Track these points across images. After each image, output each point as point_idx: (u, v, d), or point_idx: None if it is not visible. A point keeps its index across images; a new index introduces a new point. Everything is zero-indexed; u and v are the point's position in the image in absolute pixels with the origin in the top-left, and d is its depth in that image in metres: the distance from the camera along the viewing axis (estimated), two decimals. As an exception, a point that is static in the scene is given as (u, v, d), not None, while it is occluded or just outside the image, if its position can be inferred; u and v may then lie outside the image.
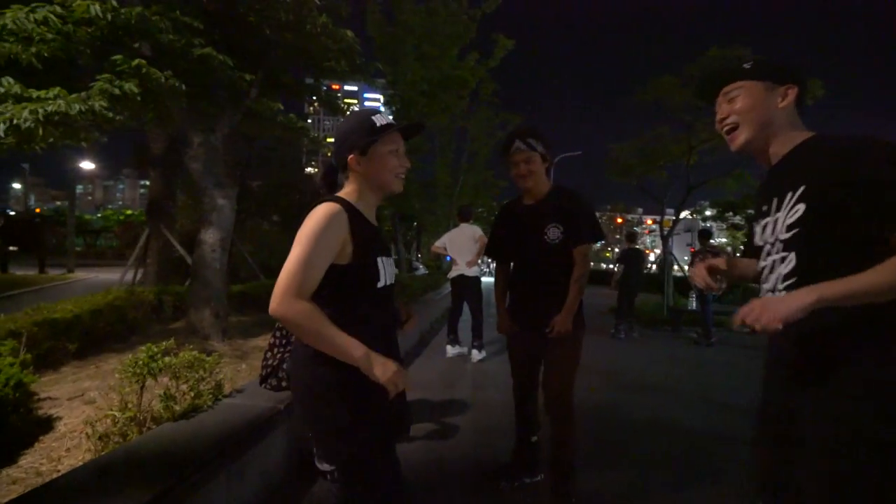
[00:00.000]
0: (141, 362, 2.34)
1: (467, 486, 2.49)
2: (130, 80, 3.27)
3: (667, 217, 13.22)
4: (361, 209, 1.31)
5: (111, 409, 2.44)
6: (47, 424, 2.82)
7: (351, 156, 1.30)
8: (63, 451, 2.59)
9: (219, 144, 4.23)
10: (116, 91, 3.12)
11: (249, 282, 7.62)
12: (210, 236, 4.11)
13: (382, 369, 1.16)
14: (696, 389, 4.56)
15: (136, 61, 3.15)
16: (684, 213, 14.68)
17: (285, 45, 4.59)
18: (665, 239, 10.98)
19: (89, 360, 3.90)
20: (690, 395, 4.33)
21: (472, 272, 5.14)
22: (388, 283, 1.32)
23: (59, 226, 22.10)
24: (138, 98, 3.32)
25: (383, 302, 1.33)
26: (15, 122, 2.59)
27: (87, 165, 19.33)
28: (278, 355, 2.92)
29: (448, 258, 5.47)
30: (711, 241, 7.70)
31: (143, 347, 2.44)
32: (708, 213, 18.43)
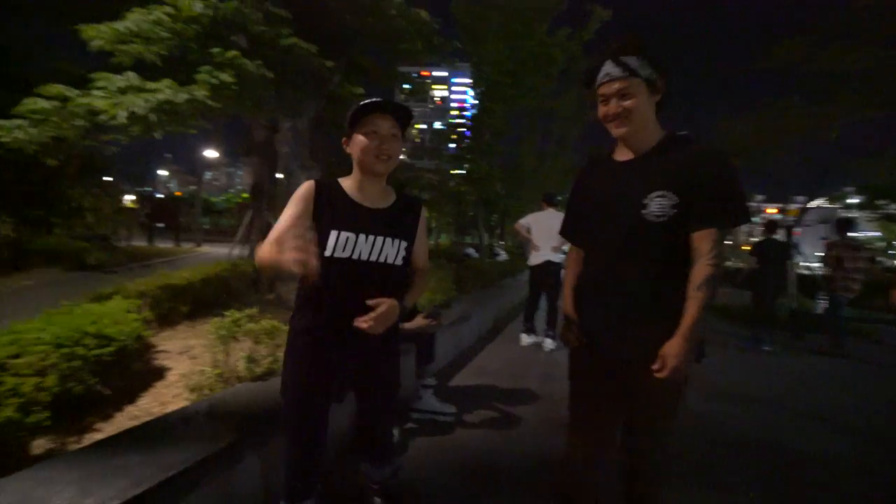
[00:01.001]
0: (225, 326, 2.60)
1: (522, 484, 2.36)
2: (227, 70, 3.58)
3: (795, 206, 11.40)
4: (350, 187, 1.47)
5: (204, 366, 2.77)
6: (160, 373, 3.30)
7: (343, 139, 1.49)
8: (171, 396, 3.01)
9: (304, 129, 4.50)
10: (215, 81, 3.44)
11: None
12: (295, 215, 4.43)
13: (278, 244, 1.21)
14: (810, 406, 3.89)
15: (231, 53, 3.43)
16: (817, 202, 12.50)
17: (365, 29, 4.70)
18: (788, 230, 9.48)
19: (198, 321, 4.47)
20: (802, 412, 3.71)
21: (558, 257, 4.88)
22: (340, 255, 1.37)
23: (192, 206, 25.80)
24: (234, 87, 3.62)
25: (336, 274, 1.37)
26: (132, 110, 2.97)
27: (210, 154, 22.10)
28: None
29: (527, 244, 5.20)
30: (853, 233, 6.24)
31: (228, 313, 2.70)
32: (852, 200, 15.49)
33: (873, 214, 13.81)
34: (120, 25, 3.29)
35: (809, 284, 9.88)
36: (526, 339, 5.26)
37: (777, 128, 9.33)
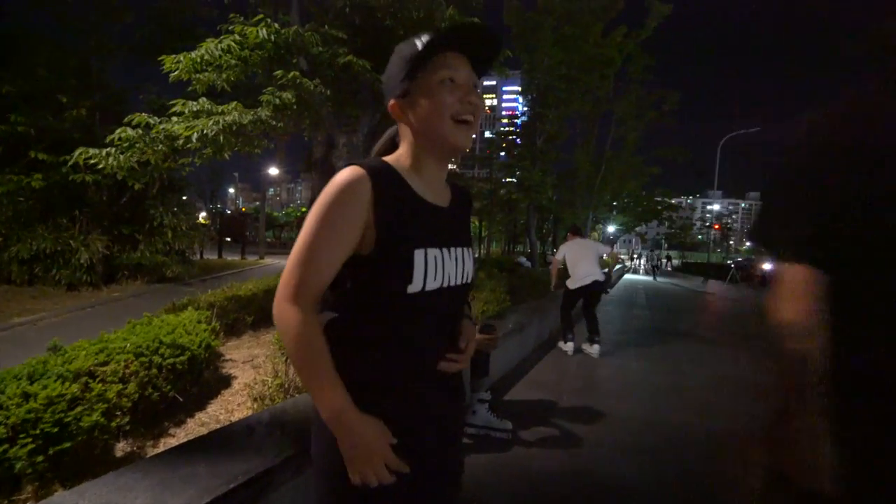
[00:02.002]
0: (285, 337, 2.66)
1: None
2: (288, 91, 3.74)
3: None
4: (411, 176, 0.87)
5: (266, 376, 2.86)
6: (227, 381, 3.46)
7: (391, 101, 0.88)
8: (236, 404, 3.13)
9: (360, 144, 4.61)
10: (277, 101, 3.60)
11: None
12: (351, 228, 4.54)
13: (352, 443, 0.77)
14: None
15: (292, 73, 3.59)
16: None
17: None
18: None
19: (261, 331, 4.68)
20: None
21: (602, 275, 5.13)
22: (437, 286, 0.83)
23: (256, 221, 27.59)
24: (294, 106, 3.77)
25: (429, 317, 0.86)
26: (204, 131, 3.17)
27: (272, 171, 23.53)
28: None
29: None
30: None
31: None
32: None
33: None
34: (195, 54, 3.56)
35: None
36: (568, 346, 5.19)
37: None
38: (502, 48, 0.95)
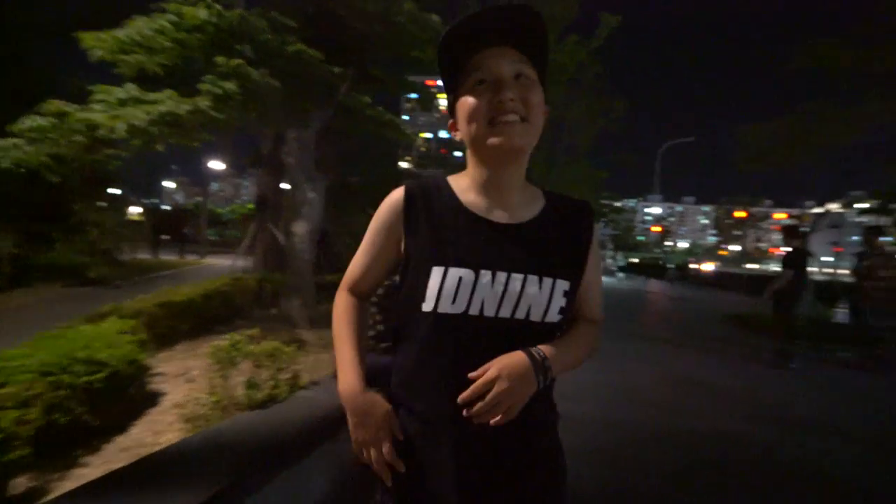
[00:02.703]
0: (223, 352, 2.41)
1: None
2: (231, 80, 3.44)
3: (805, 212, 11.14)
4: (468, 191, 0.85)
5: (202, 391, 2.58)
6: (155, 399, 3.11)
7: (450, 121, 0.85)
8: (165, 424, 2.81)
9: (311, 139, 4.36)
10: (219, 91, 3.29)
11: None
12: (300, 228, 4.26)
13: (356, 422, 0.81)
14: (851, 428, 3.63)
15: (235, 62, 3.30)
16: (832, 206, 12.26)
17: (374, 37, 4.57)
18: (807, 235, 9.21)
19: (198, 340, 4.30)
20: (842, 435, 3.45)
21: None
22: (449, 310, 0.77)
23: (197, 218, 25.84)
24: (239, 97, 3.48)
25: (450, 345, 0.78)
26: (133, 123, 2.83)
27: (216, 165, 22.18)
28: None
29: None
30: (882, 238, 5.91)
31: (227, 336, 2.52)
32: (862, 205, 15.22)
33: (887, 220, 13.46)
34: (121, 33, 3.18)
35: (827, 292, 9.59)
36: None
37: (803, 131, 9.12)
38: (537, 19, 0.78)
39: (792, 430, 3.48)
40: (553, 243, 0.83)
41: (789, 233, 5.84)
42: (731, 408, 3.88)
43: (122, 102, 3.00)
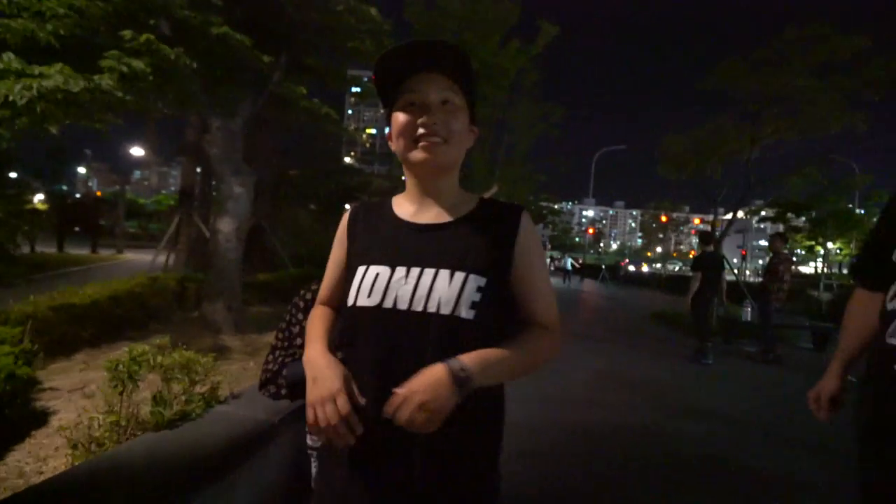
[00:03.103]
0: (122, 365, 2.13)
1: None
2: (142, 57, 3.08)
3: (717, 218, 12.26)
4: (402, 201, 0.96)
5: (99, 410, 2.27)
6: (43, 418, 2.71)
7: (387, 131, 0.93)
8: (52, 449, 2.46)
9: (238, 130, 4.04)
10: (124, 69, 2.93)
11: (280, 271, 7.57)
12: (225, 225, 3.93)
13: (314, 376, 0.80)
14: (753, 417, 3.99)
15: (145, 37, 2.95)
16: (739, 213, 13.59)
17: (310, 24, 4.32)
18: (718, 240, 10.10)
19: (103, 347, 3.83)
20: (746, 424, 3.78)
21: None
22: (365, 303, 0.82)
23: (115, 208, 23.40)
24: (150, 77, 3.13)
25: (366, 339, 0.83)
26: (10, 98, 2.42)
27: (137, 152, 20.24)
28: (279, 359, 2.66)
29: None
30: (786, 247, 6.55)
31: (126, 348, 2.23)
32: (764, 213, 17.07)
33: (779, 226, 15.20)
34: (1, -5, 2.72)
35: (734, 292, 10.59)
36: None
37: (710, 145, 9.98)
38: (464, 56, 0.86)
39: (704, 421, 3.76)
40: (473, 241, 0.86)
41: (703, 237, 6.34)
42: (655, 402, 4.13)
43: (2, 75, 2.56)
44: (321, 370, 0.80)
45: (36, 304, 3.76)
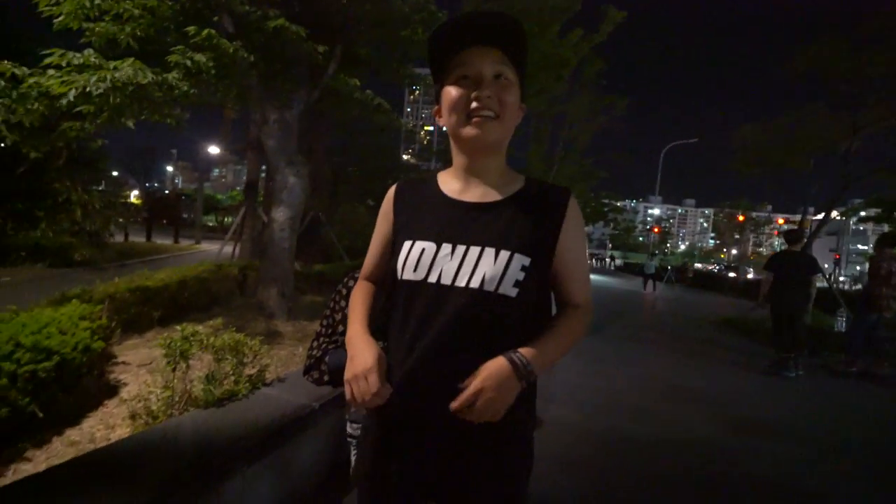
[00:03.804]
0: (175, 343, 2.22)
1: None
2: (205, 52, 3.22)
3: (806, 217, 10.96)
4: (448, 178, 0.96)
5: (155, 387, 2.41)
6: (115, 390, 2.93)
7: (435, 107, 0.95)
8: (119, 418, 2.63)
9: (293, 121, 4.14)
10: (188, 63, 3.08)
11: (336, 262, 7.80)
12: (280, 215, 4.06)
13: (352, 355, 0.87)
14: (834, 439, 3.48)
15: (206, 31, 3.08)
16: (832, 213, 12.06)
17: (364, 16, 4.34)
18: (807, 242, 9.02)
19: (170, 327, 4.09)
20: (824, 446, 3.30)
21: None
22: (411, 277, 0.85)
23: (194, 203, 25.58)
24: (211, 71, 3.26)
25: (413, 310, 0.85)
26: (87, 89, 2.61)
27: (213, 150, 21.88)
28: (323, 345, 2.67)
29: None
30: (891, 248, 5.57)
31: (180, 326, 2.33)
32: (863, 213, 15.04)
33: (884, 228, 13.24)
34: (80, -5, 2.94)
35: (826, 300, 9.42)
36: None
37: (798, 136, 8.92)
38: (518, 27, 0.85)
39: (773, 439, 3.33)
40: (519, 220, 0.86)
41: (789, 236, 5.66)
42: (720, 416, 3.72)
43: (80, 69, 2.77)
44: (359, 350, 0.86)
45: (115, 285, 4.11)
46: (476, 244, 0.83)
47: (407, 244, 0.88)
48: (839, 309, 7.59)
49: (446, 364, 0.80)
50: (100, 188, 11.47)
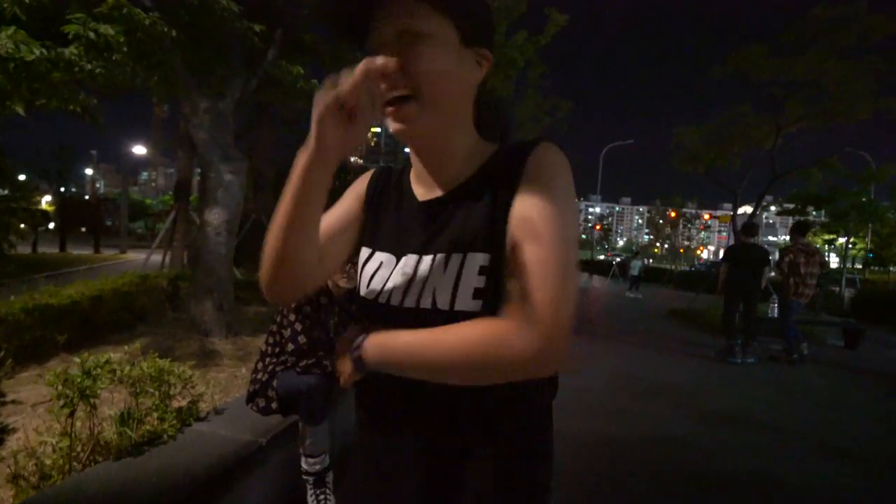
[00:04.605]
0: (72, 379, 1.76)
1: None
2: (115, 24, 2.71)
3: (723, 212, 11.74)
4: (414, 177, 0.76)
5: (49, 435, 1.92)
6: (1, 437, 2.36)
7: None
8: (2, 477, 2.10)
9: (228, 112, 3.66)
10: (91, 35, 2.56)
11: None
12: (215, 217, 3.56)
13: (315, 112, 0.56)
14: (791, 424, 3.59)
15: (114, -1, 2.57)
16: (743, 209, 13.08)
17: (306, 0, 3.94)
18: (738, 234, 9.62)
19: (81, 352, 3.47)
20: (786, 432, 3.39)
21: None
22: (371, 297, 0.70)
23: (118, 208, 23.25)
24: (122, 47, 2.76)
25: (379, 321, 0.68)
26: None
27: (139, 150, 20.05)
28: (269, 367, 2.27)
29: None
30: (805, 238, 5.94)
31: (79, 359, 1.86)
32: (774, 207, 16.49)
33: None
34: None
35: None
36: None
37: (730, 135, 9.51)
38: None
39: (737, 429, 3.39)
40: (473, 211, 0.64)
41: (747, 229, 5.83)
42: (680, 407, 3.77)
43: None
44: (314, 115, 0.56)
45: (10, 304, 3.42)
46: (427, 252, 0.65)
47: (365, 252, 0.75)
48: (771, 297, 8.11)
49: (415, 391, 0.65)
50: (-1, 192, 9.99)
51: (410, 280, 0.65)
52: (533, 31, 14.30)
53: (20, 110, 2.86)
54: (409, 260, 0.67)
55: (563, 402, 2.93)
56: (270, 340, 2.27)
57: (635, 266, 16.45)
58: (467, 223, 0.64)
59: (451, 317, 0.60)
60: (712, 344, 6.40)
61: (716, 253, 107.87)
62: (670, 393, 4.19)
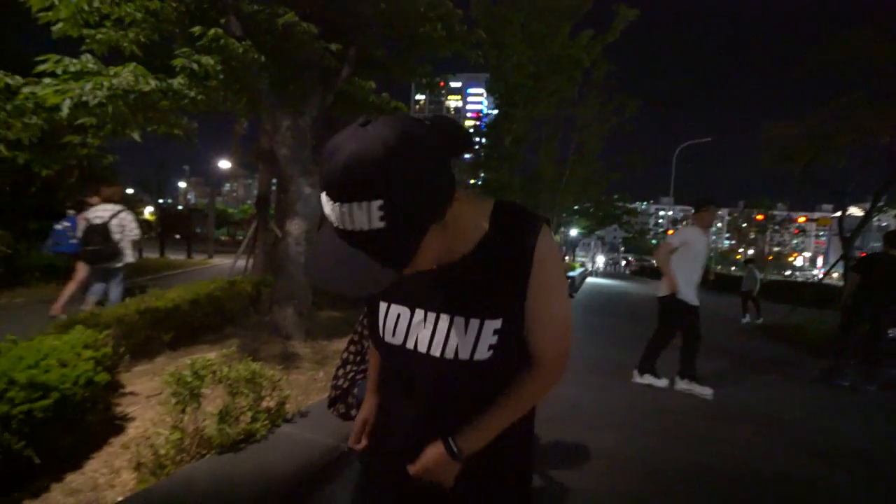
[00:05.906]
0: (184, 379, 1.94)
1: None
2: (212, 55, 2.99)
3: (821, 215, 10.42)
4: None
5: (162, 427, 2.13)
6: (121, 425, 2.67)
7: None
8: (125, 459, 2.37)
9: (307, 128, 3.90)
10: (195, 66, 2.84)
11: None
12: (295, 227, 3.80)
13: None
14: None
15: (213, 31, 2.84)
16: (852, 209, 11.50)
17: (378, 15, 4.09)
18: (847, 241, 8.53)
19: (181, 351, 3.85)
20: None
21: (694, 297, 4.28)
22: (398, 343, 0.83)
23: (206, 218, 25.69)
24: (219, 75, 3.03)
25: (397, 373, 0.88)
26: (84, 98, 2.38)
27: (224, 164, 21.96)
28: (350, 374, 2.36)
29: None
30: None
31: (190, 360, 2.05)
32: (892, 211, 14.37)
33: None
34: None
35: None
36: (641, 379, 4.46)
37: (835, 129, 8.46)
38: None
39: (847, 465, 2.93)
40: (486, 280, 0.79)
41: (890, 239, 4.88)
42: (777, 440, 3.32)
43: (76, 76, 2.55)
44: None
45: (126, 306, 3.88)
46: (446, 312, 0.79)
47: (383, 306, 0.85)
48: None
49: (428, 427, 0.82)
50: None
51: (433, 333, 0.79)
52: (600, 28, 13.84)
53: (136, 136, 3.23)
54: (429, 315, 0.80)
55: (635, 419, 2.73)
56: (352, 349, 2.36)
57: (752, 279, 10.87)
58: (483, 292, 0.78)
59: (469, 364, 0.77)
60: (812, 365, 5.70)
61: (811, 260, 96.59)
62: (766, 420, 3.76)
